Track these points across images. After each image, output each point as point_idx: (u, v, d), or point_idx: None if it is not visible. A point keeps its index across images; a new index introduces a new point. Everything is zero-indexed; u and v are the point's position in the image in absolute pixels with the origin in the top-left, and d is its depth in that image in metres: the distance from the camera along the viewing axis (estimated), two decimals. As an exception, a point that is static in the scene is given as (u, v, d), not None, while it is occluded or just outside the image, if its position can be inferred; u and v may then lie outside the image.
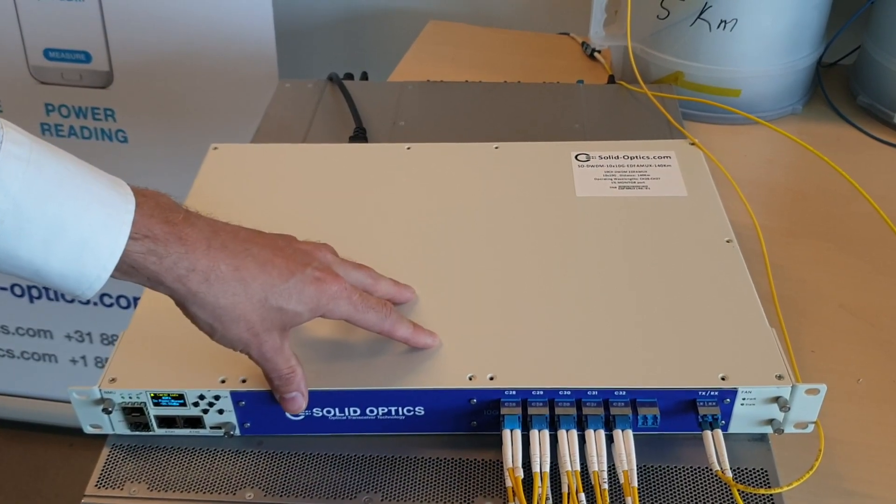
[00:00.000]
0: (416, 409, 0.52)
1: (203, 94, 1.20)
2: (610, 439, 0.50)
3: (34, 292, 1.43)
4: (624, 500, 0.47)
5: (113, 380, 0.53)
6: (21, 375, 1.53)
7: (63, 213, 0.43)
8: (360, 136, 0.82)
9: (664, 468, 0.51)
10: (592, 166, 0.71)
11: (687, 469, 0.51)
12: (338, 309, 0.51)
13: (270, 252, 0.50)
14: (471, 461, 0.52)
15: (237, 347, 0.49)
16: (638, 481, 0.48)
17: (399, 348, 0.54)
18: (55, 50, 1.21)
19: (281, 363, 0.50)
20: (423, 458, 0.52)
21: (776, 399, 0.51)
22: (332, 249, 0.55)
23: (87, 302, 1.40)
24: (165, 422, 0.53)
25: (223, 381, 0.52)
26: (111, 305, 1.41)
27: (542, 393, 0.51)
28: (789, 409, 0.51)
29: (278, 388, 0.51)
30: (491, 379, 0.52)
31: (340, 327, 0.56)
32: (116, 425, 0.54)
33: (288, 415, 0.52)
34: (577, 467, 0.49)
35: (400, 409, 0.52)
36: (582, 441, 0.50)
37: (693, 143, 0.74)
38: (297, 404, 0.51)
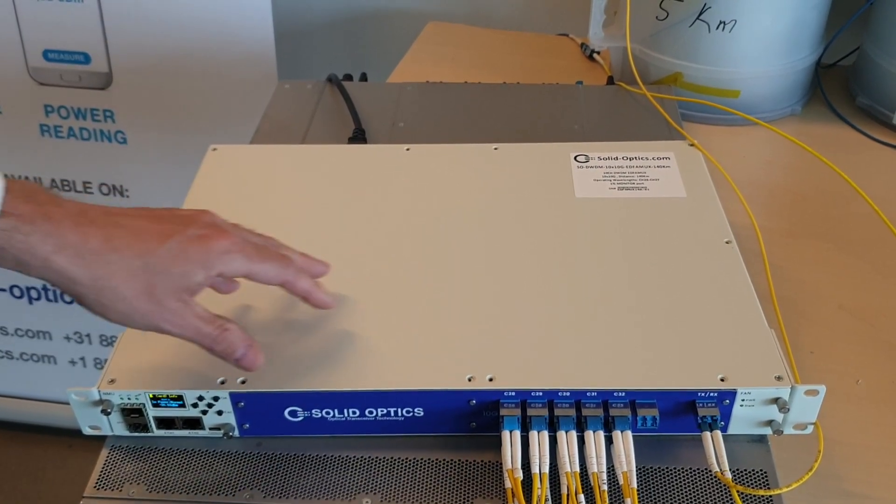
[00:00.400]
0: (416, 410, 0.52)
1: (202, 95, 1.20)
2: (609, 440, 0.50)
3: (33, 294, 1.43)
4: (623, 501, 0.47)
5: (112, 381, 0.52)
6: (20, 377, 1.53)
7: None
8: (359, 137, 0.82)
9: (663, 469, 0.51)
10: (591, 167, 0.71)
11: (686, 470, 0.51)
12: (232, 264, 0.49)
13: (145, 221, 0.48)
14: (470, 462, 0.52)
15: (142, 324, 0.48)
16: (637, 482, 0.48)
17: (398, 349, 0.54)
18: (54, 51, 1.21)
19: (201, 325, 0.48)
20: (422, 459, 0.52)
21: (775, 400, 0.51)
22: (217, 215, 0.53)
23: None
24: (164, 423, 0.53)
25: (222, 383, 0.52)
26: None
27: (541, 394, 0.51)
28: (788, 410, 0.51)
29: (222, 353, 0.49)
30: (490, 380, 0.52)
31: (338, 327, 0.56)
32: (115, 426, 0.53)
33: (248, 369, 0.50)
34: (577, 468, 0.49)
35: (399, 410, 0.52)
36: (581, 442, 0.50)
37: (692, 144, 0.74)
38: (251, 359, 0.50)
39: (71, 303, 1.40)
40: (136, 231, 0.48)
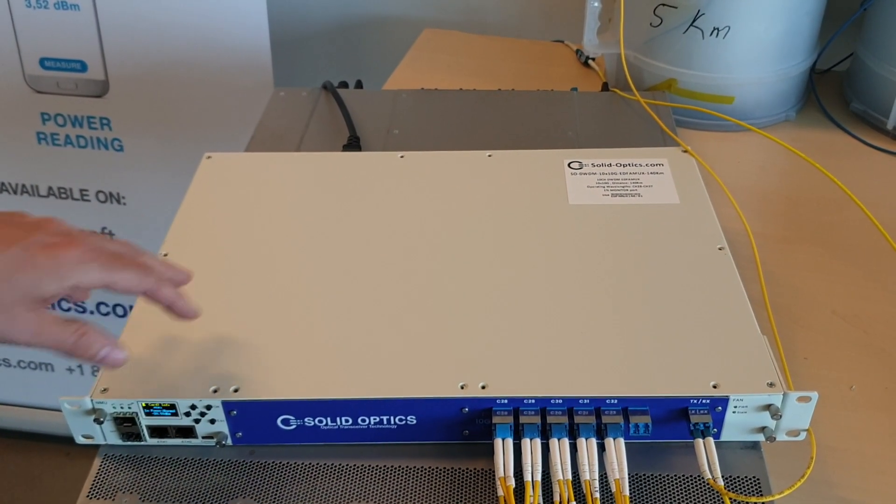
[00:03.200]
0: (408, 418, 0.52)
1: (198, 102, 1.20)
2: (602, 448, 0.50)
3: (30, 301, 1.43)
4: (615, 508, 0.47)
5: (104, 390, 0.52)
6: (17, 384, 1.52)
7: None
8: (353, 144, 0.82)
9: (656, 476, 0.51)
10: (585, 174, 0.71)
11: (679, 477, 0.51)
12: (88, 274, 0.47)
13: None
14: (462, 470, 0.52)
15: None
16: (630, 490, 0.49)
17: (390, 356, 0.54)
18: (51, 59, 1.21)
19: (58, 332, 0.47)
20: (414, 467, 0.52)
21: (768, 407, 0.51)
22: (65, 222, 0.50)
23: (84, 310, 1.40)
24: (157, 432, 0.53)
25: (215, 391, 0.52)
26: (107, 314, 1.41)
27: (533, 402, 0.51)
28: (781, 416, 0.51)
29: (84, 355, 0.48)
30: (483, 388, 0.52)
31: (331, 335, 0.56)
32: (108, 435, 0.54)
33: (113, 367, 0.49)
34: (569, 476, 0.49)
35: (392, 418, 0.52)
36: (574, 450, 0.50)
37: (686, 151, 0.74)
38: (115, 357, 0.48)
39: (67, 310, 1.40)
40: None
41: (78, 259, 0.47)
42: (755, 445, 0.53)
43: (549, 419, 0.51)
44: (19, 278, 0.45)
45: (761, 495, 0.50)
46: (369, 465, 0.52)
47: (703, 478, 0.49)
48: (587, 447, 0.50)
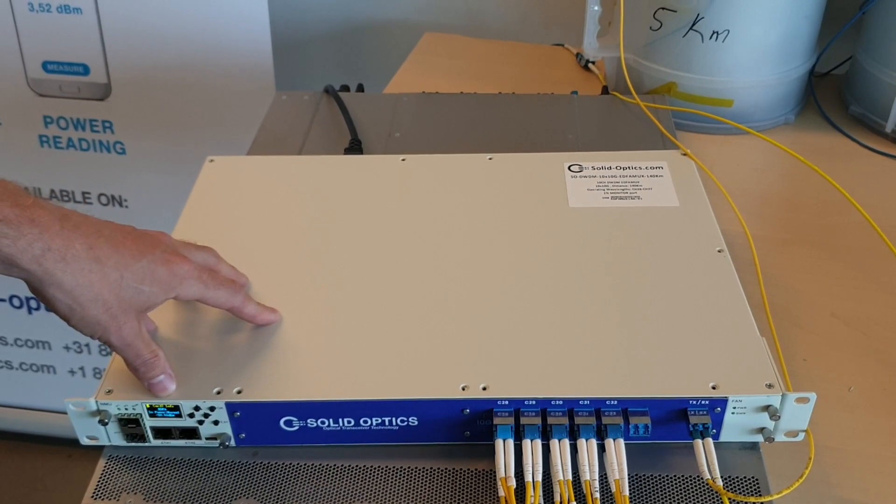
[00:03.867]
0: (410, 419, 0.53)
1: (200, 106, 1.20)
2: (602, 448, 0.51)
3: (33, 304, 1.43)
4: (615, 508, 0.48)
5: (109, 391, 0.53)
6: (20, 387, 1.53)
7: None
8: (355, 147, 0.82)
9: (655, 477, 0.51)
10: (585, 177, 0.71)
11: (678, 478, 0.51)
12: (190, 289, 0.52)
13: (121, 234, 0.50)
14: (464, 471, 0.52)
15: (96, 333, 0.50)
16: (629, 490, 0.49)
17: (392, 358, 0.55)
18: (53, 62, 1.21)
19: (142, 347, 0.51)
20: (416, 468, 0.52)
21: (766, 408, 0.51)
22: (171, 237, 0.56)
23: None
24: (161, 433, 0.54)
25: (218, 393, 0.53)
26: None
27: (534, 403, 0.52)
28: (779, 417, 0.51)
29: (144, 374, 0.52)
30: (484, 389, 0.52)
31: (333, 337, 0.57)
32: (113, 437, 0.54)
33: (157, 394, 0.52)
34: (570, 476, 0.49)
35: (393, 419, 0.53)
36: (574, 450, 0.51)
37: (685, 154, 0.74)
38: (165, 386, 0.52)
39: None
40: (115, 244, 0.49)
41: (186, 274, 0.52)
42: (754, 446, 0.53)
43: (550, 420, 0.51)
44: (143, 289, 0.50)
45: (760, 495, 0.50)
46: (371, 466, 0.53)
47: (702, 478, 0.50)
48: (587, 448, 0.50)
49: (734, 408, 0.51)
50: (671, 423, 0.52)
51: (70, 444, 1.51)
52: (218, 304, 0.55)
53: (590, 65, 1.09)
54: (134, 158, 1.27)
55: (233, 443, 0.54)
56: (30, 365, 1.50)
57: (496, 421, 0.51)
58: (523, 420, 0.51)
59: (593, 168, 0.72)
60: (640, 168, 0.72)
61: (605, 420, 0.51)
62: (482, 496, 0.51)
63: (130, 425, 0.53)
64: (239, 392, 0.53)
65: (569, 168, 0.73)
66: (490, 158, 0.74)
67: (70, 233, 0.47)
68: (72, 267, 0.47)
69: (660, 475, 0.51)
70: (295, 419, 0.53)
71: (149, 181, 1.28)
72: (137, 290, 0.49)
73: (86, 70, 1.21)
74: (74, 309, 0.48)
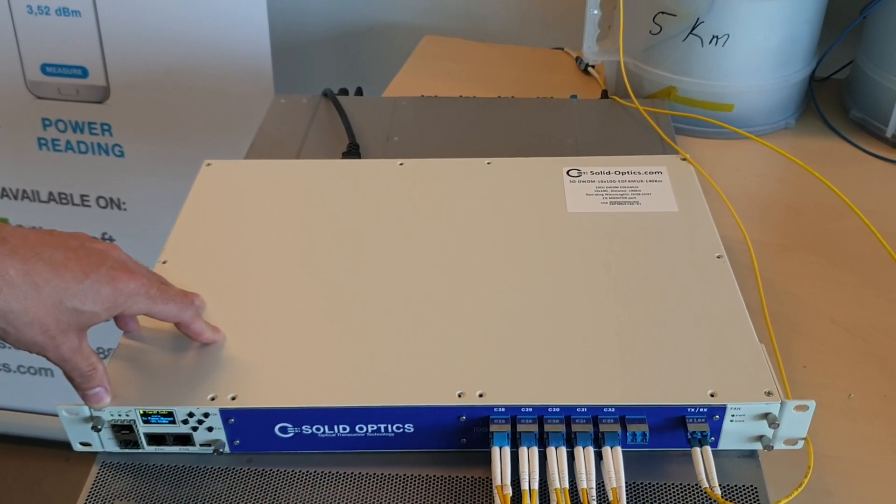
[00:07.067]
0: (406, 426, 0.52)
1: (199, 109, 1.20)
2: (599, 456, 0.50)
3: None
4: (612, 517, 0.47)
5: (102, 397, 0.53)
6: (17, 389, 1.52)
7: None
8: (353, 151, 0.82)
9: (653, 485, 0.51)
10: (584, 182, 0.71)
11: (676, 486, 0.51)
12: (136, 305, 0.52)
13: (63, 254, 0.49)
14: (460, 479, 0.52)
15: (32, 350, 0.49)
16: (627, 498, 0.49)
17: (388, 364, 0.54)
18: (52, 65, 1.21)
19: (80, 362, 0.51)
20: (412, 475, 0.52)
21: (765, 415, 0.51)
22: (122, 251, 0.55)
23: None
24: (155, 439, 0.53)
25: (212, 399, 0.52)
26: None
27: (531, 410, 0.51)
28: (778, 425, 0.51)
29: (80, 385, 0.52)
30: (480, 396, 0.52)
31: (329, 343, 0.56)
32: (106, 443, 0.54)
33: (92, 405, 0.52)
34: (567, 484, 0.49)
35: (389, 426, 0.52)
36: (571, 458, 0.50)
37: (684, 159, 0.74)
38: (100, 398, 0.52)
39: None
40: (55, 266, 0.49)
41: (132, 291, 0.51)
42: (753, 454, 0.53)
43: (547, 427, 0.51)
44: (84, 310, 0.49)
45: (759, 504, 0.50)
46: (367, 474, 0.52)
47: (700, 486, 0.49)
48: (584, 456, 0.50)
49: (733, 415, 0.51)
50: (669, 430, 0.52)
51: (68, 447, 1.50)
52: (165, 318, 0.54)
53: (589, 69, 1.09)
54: (132, 161, 1.27)
55: (227, 449, 0.54)
56: (27, 368, 1.50)
57: (493, 428, 0.51)
58: (520, 427, 0.51)
59: (592, 173, 0.72)
60: (640, 173, 0.72)
61: (602, 427, 0.51)
62: (478, 504, 0.50)
63: (124, 431, 0.53)
64: (233, 398, 0.52)
65: (567, 172, 0.72)
66: (489, 163, 0.74)
67: (5, 259, 0.47)
68: (5, 294, 0.46)
69: (658, 483, 0.51)
70: (290, 426, 0.53)
71: (147, 184, 1.28)
72: (78, 311, 0.49)
73: (84, 73, 1.21)
74: (9, 332, 0.48)
